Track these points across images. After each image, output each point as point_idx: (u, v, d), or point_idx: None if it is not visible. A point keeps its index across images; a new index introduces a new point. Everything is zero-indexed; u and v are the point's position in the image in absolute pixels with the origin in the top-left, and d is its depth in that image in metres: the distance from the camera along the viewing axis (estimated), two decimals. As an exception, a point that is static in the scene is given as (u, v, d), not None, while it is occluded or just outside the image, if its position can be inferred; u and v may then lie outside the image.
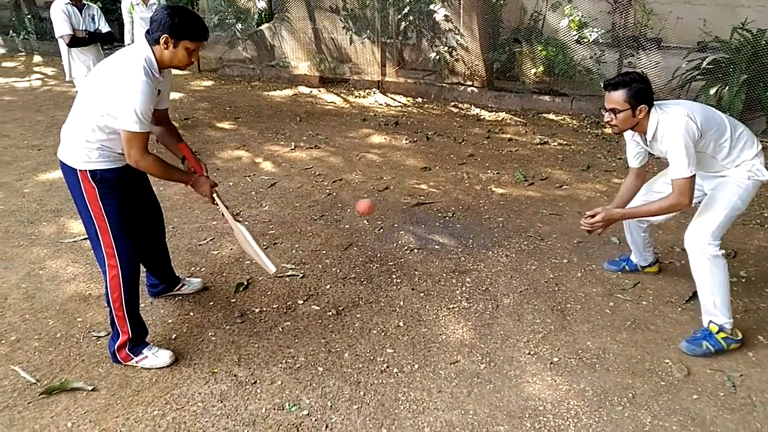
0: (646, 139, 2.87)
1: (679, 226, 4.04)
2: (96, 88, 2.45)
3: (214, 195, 2.82)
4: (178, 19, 2.42)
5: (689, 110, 2.71)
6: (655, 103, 2.77)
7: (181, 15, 2.44)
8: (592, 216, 2.97)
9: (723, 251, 2.78)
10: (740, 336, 2.90)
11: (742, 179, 2.81)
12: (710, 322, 2.85)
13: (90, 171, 2.52)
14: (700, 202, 3.01)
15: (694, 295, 3.29)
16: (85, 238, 3.90)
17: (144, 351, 2.74)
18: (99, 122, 2.45)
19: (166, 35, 2.41)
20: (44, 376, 2.68)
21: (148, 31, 2.47)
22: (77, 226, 4.12)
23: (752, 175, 2.80)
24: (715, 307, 2.82)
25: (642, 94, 2.71)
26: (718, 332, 2.82)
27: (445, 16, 7.99)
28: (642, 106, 2.72)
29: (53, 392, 2.57)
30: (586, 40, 7.42)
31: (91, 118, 2.46)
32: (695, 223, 2.85)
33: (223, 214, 2.88)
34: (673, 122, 2.68)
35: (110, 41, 5.45)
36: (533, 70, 7.89)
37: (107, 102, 2.40)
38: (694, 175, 2.71)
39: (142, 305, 3.16)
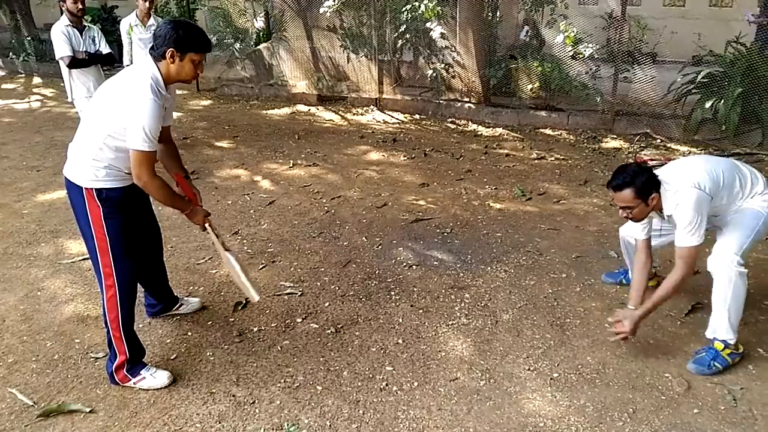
0: (663, 216, 2.89)
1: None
2: (103, 106, 2.47)
3: (207, 224, 2.83)
4: (182, 32, 2.43)
5: (695, 179, 2.73)
6: (661, 180, 2.78)
7: (185, 27, 2.46)
8: (619, 325, 2.88)
9: (747, 270, 2.79)
10: (741, 349, 2.90)
11: (761, 207, 2.84)
12: (715, 339, 2.83)
13: (96, 189, 2.52)
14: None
15: (693, 309, 3.31)
16: (83, 259, 3.90)
17: (142, 372, 2.73)
18: (107, 141, 2.46)
19: (172, 48, 2.43)
20: (41, 399, 2.66)
21: (152, 47, 2.48)
22: (76, 247, 4.12)
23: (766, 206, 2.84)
24: (728, 323, 2.79)
25: (648, 185, 2.73)
26: (723, 349, 2.81)
27: (442, 33, 8.06)
28: (653, 195, 2.75)
29: (51, 415, 2.55)
30: (581, 56, 7.48)
31: (99, 137, 2.46)
32: (722, 243, 2.84)
33: (213, 242, 2.88)
34: (685, 196, 2.71)
35: (111, 62, 5.49)
36: (529, 86, 7.95)
37: (115, 121, 2.41)
38: (700, 247, 2.74)
39: (141, 325, 3.16)
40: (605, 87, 7.36)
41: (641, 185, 2.72)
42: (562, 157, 6.32)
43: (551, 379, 2.80)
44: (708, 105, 6.52)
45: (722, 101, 6.42)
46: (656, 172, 2.85)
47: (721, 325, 2.82)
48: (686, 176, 2.78)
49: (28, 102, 9.49)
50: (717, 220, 3.01)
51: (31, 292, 3.59)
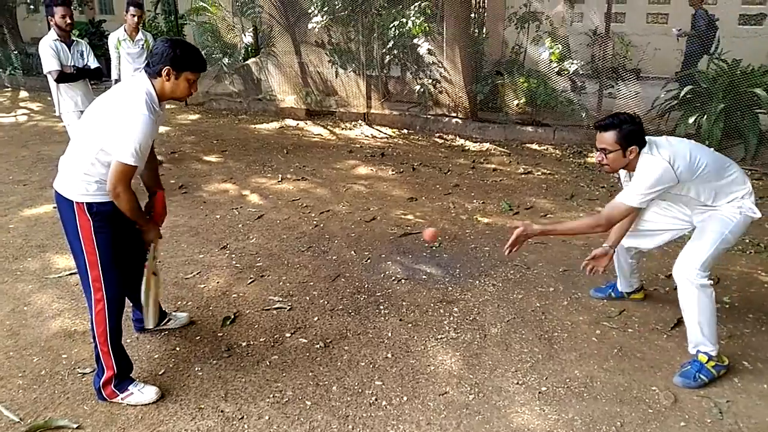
0: (629, 178, 2.91)
1: (663, 253, 4.09)
2: (96, 121, 2.48)
3: (153, 244, 2.87)
4: (179, 51, 2.46)
5: (674, 157, 2.73)
6: (648, 141, 2.80)
7: (182, 47, 2.49)
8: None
9: (711, 281, 2.82)
10: (727, 361, 2.92)
11: (733, 213, 2.85)
12: (698, 352, 2.86)
13: (87, 203, 2.52)
14: (686, 235, 3.07)
15: (680, 322, 3.33)
16: (70, 274, 3.88)
17: (130, 387, 2.71)
18: (99, 156, 2.46)
19: (168, 67, 2.45)
20: (28, 415, 2.64)
21: (148, 64, 2.50)
22: (63, 261, 4.10)
23: (743, 211, 2.84)
24: (702, 335, 2.83)
25: (632, 135, 2.75)
26: (707, 361, 2.84)
27: (429, 49, 8.14)
28: (632, 147, 2.76)
29: (37, 431, 2.53)
30: (566, 72, 7.58)
31: (91, 152, 2.47)
32: (685, 253, 2.88)
33: (146, 259, 2.88)
34: (652, 165, 2.73)
35: (99, 77, 5.48)
36: (516, 102, 8.03)
37: (107, 136, 2.42)
38: (634, 210, 2.77)
39: (129, 340, 3.14)
40: (590, 103, 7.47)
41: (627, 132, 2.74)
42: (548, 172, 6.38)
43: (540, 392, 2.81)
44: (691, 120, 6.62)
45: (705, 117, 6.52)
46: (650, 138, 2.84)
47: (697, 339, 2.87)
48: (668, 150, 2.77)
49: (15, 116, 9.44)
50: (686, 216, 3.05)
51: (18, 307, 3.55)
